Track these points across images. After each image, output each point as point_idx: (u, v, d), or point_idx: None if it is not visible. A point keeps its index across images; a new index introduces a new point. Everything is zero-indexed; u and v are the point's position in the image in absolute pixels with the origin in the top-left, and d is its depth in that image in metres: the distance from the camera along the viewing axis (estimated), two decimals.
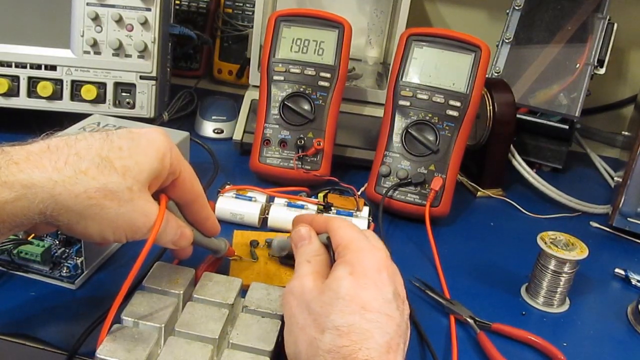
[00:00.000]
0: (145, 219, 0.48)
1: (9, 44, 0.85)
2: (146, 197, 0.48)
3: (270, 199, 0.77)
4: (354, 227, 0.51)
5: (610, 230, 0.85)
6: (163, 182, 0.50)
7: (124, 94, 0.89)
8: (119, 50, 0.87)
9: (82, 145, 0.46)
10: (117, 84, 0.88)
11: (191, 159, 0.80)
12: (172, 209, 0.53)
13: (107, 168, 0.45)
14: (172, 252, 0.57)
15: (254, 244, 0.69)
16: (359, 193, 0.79)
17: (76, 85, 0.87)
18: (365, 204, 0.76)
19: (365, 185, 0.83)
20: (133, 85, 0.88)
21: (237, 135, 0.92)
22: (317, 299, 0.45)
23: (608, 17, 0.97)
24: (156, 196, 0.50)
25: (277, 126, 0.84)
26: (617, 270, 0.74)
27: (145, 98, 0.89)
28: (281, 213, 0.73)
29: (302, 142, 0.82)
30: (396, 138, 0.81)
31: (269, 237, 0.69)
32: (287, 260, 0.66)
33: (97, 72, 0.87)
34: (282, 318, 0.53)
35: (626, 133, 1.06)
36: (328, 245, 0.51)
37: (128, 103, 0.89)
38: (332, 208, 0.74)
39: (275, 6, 1.02)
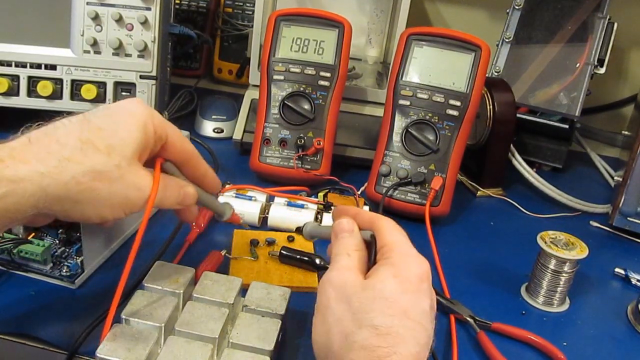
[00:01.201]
0: (139, 192, 0.48)
1: (9, 44, 0.85)
2: (136, 171, 0.47)
3: (270, 199, 0.77)
4: (401, 230, 0.49)
5: (610, 230, 0.85)
6: (152, 150, 0.50)
7: (124, 93, 0.89)
8: (119, 49, 0.86)
9: (61, 132, 0.46)
10: (117, 84, 0.88)
11: None
12: (171, 169, 0.52)
13: (90, 150, 0.45)
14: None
15: (254, 243, 0.69)
16: (359, 192, 0.79)
17: (76, 85, 0.87)
18: (365, 204, 0.76)
19: (365, 184, 0.83)
20: (133, 84, 0.88)
21: (237, 135, 0.92)
22: (358, 294, 0.44)
23: (608, 17, 0.97)
24: (152, 161, 0.50)
25: (277, 125, 0.84)
26: (617, 269, 0.74)
27: (145, 97, 0.89)
28: (281, 212, 0.73)
29: (302, 141, 0.82)
30: (396, 137, 0.81)
31: (269, 237, 0.70)
32: (288, 259, 0.66)
33: (97, 71, 0.87)
34: (282, 317, 0.53)
35: (626, 132, 1.06)
36: (371, 243, 0.48)
37: None
38: (332, 207, 0.74)
39: (275, 6, 1.02)
